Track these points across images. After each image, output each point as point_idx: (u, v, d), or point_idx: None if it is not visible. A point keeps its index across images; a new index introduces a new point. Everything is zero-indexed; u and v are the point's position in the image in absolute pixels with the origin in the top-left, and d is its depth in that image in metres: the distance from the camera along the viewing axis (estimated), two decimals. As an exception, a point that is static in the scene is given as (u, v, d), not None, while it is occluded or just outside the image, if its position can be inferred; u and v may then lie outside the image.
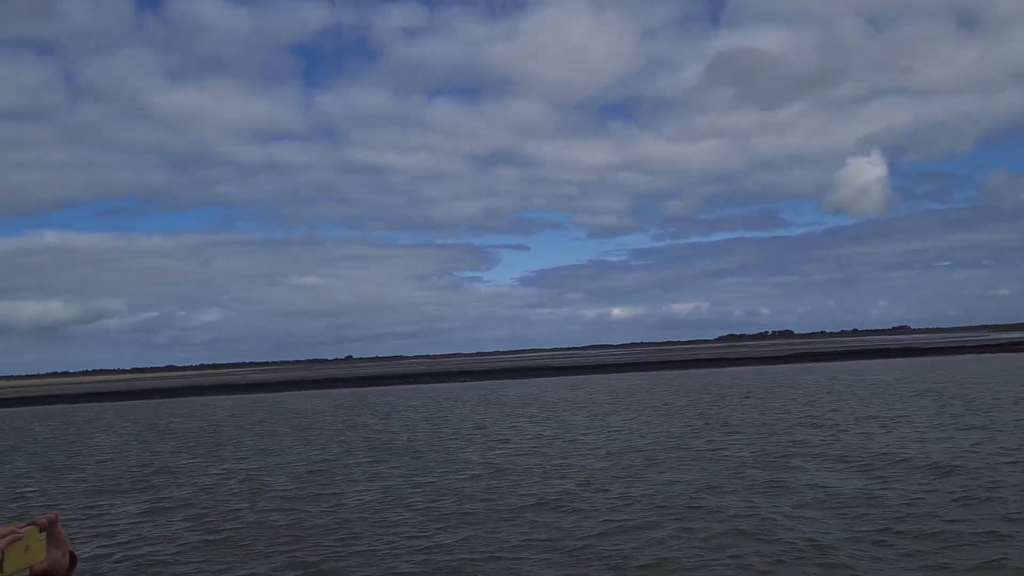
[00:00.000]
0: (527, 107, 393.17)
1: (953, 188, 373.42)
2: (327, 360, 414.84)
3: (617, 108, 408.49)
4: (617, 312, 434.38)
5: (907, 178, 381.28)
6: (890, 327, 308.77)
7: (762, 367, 67.87)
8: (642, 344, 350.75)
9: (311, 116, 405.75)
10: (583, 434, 22.50)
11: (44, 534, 1.95)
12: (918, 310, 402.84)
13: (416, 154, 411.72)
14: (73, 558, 2.08)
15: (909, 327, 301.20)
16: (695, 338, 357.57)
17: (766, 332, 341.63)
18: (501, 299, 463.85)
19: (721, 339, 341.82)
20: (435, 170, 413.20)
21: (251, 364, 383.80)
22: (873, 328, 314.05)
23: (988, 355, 67.96)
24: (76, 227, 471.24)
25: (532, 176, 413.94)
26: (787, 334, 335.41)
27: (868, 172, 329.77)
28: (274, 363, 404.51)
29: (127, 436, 30.76)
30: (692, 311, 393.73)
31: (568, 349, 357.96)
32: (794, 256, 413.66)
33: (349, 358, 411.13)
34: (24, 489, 18.26)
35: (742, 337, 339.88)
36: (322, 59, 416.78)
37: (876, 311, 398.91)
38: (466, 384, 66.20)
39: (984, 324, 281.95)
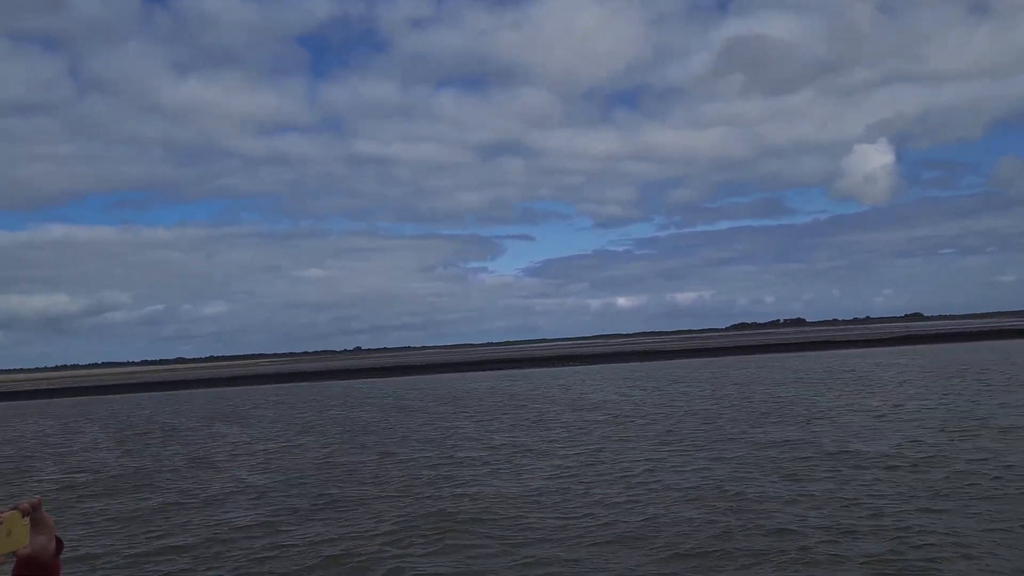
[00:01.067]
0: (534, 97, 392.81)
1: (959, 175, 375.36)
2: (336, 351, 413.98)
3: (624, 97, 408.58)
4: (621, 302, 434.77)
5: (913, 165, 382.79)
6: (903, 315, 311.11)
7: (872, 349, 68.74)
8: (652, 333, 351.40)
9: (317, 107, 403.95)
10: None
11: (27, 519, 1.91)
12: (921, 298, 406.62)
13: (422, 145, 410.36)
14: (59, 543, 2.03)
15: (922, 314, 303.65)
16: (705, 327, 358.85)
17: (778, 320, 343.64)
18: (506, 289, 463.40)
19: (732, 327, 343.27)
20: (441, 161, 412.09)
21: (260, 356, 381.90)
22: (886, 316, 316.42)
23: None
24: (82, 220, 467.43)
25: (538, 166, 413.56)
26: (799, 322, 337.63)
27: (874, 159, 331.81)
28: (283, 355, 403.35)
29: (435, 414, 30.97)
30: (695, 300, 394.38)
31: (575, 339, 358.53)
32: (799, 244, 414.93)
33: (358, 349, 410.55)
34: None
35: (753, 325, 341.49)
36: (329, 50, 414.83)
37: (880, 299, 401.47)
38: (570, 368, 66.60)
39: (995, 311, 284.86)
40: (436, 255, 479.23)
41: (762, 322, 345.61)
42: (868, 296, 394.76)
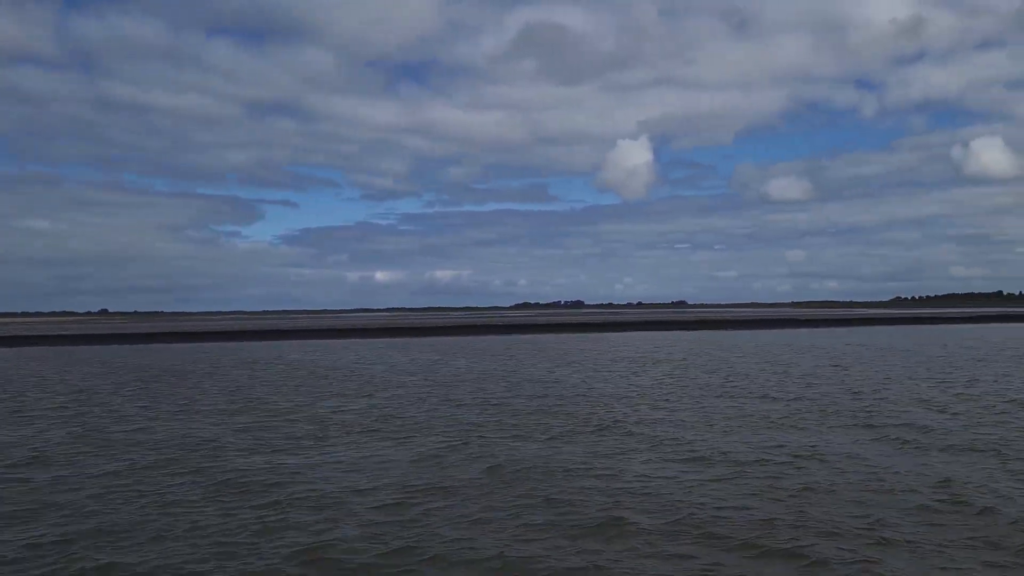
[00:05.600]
0: (316, 58, 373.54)
1: (704, 176, 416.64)
2: (78, 313, 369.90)
3: (411, 70, 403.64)
4: (380, 276, 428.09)
5: (668, 164, 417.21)
6: (670, 301, 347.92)
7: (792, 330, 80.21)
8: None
9: (65, 40, 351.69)
10: None
11: None
12: (655, 288, 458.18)
13: (187, 95, 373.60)
14: None
15: (686, 302, 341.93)
16: (465, 305, 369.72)
17: (559, 302, 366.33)
18: (261, 256, 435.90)
19: (516, 307, 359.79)
20: (207, 114, 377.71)
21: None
22: (657, 301, 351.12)
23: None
24: None
25: (312, 130, 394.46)
26: (578, 304, 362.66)
27: (635, 155, 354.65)
28: (21, 314, 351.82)
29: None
30: (454, 279, 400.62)
31: (335, 312, 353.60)
32: (557, 230, 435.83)
33: (104, 311, 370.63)
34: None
35: (536, 306, 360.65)
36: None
37: (620, 287, 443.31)
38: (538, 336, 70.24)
39: (721, 303, 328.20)
40: (187, 215, 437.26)
41: (544, 303, 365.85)
42: (611, 283, 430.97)
